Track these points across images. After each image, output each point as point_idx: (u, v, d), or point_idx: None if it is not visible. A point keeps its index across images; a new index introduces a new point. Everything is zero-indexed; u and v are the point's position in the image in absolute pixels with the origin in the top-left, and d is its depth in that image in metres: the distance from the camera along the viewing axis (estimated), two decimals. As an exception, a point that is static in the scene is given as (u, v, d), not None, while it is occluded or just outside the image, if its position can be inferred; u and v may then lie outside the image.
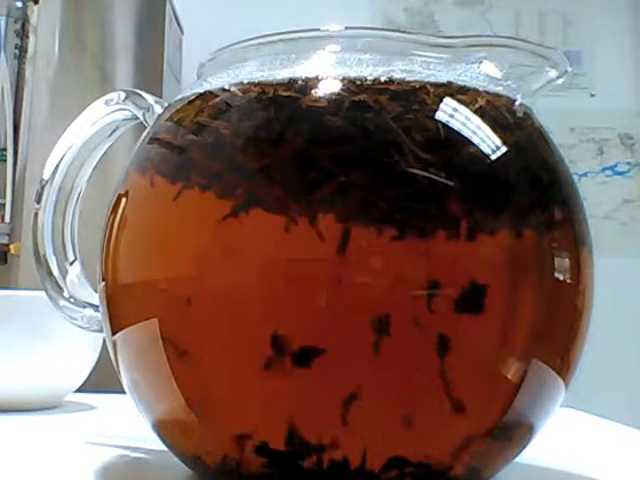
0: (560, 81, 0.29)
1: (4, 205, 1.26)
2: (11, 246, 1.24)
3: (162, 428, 0.28)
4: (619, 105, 1.95)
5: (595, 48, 1.95)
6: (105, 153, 0.35)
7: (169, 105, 0.31)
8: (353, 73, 0.26)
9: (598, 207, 1.85)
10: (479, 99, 0.27)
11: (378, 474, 0.25)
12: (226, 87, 0.28)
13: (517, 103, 0.28)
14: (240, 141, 0.26)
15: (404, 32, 0.28)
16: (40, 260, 0.34)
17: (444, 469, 0.25)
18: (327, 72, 0.27)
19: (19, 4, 1.32)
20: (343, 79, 0.26)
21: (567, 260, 0.27)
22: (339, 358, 0.24)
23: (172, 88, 1.41)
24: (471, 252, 0.25)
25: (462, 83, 0.27)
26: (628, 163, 1.95)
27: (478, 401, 0.25)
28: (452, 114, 0.26)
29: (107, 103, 0.34)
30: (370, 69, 0.26)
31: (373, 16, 1.91)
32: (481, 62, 0.28)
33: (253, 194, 0.25)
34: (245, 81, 0.27)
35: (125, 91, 0.33)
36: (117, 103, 0.33)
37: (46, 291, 0.34)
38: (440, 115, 0.26)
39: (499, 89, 0.28)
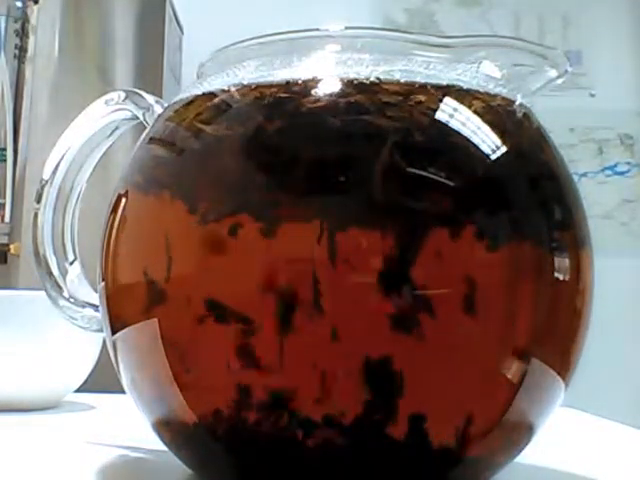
0: (560, 81, 0.29)
1: (4, 205, 1.27)
2: (11, 246, 1.25)
3: (162, 428, 0.28)
4: (619, 105, 1.95)
5: (595, 48, 1.95)
6: (105, 153, 0.35)
7: (169, 105, 0.31)
8: (353, 73, 0.26)
9: (598, 207, 1.85)
10: (479, 99, 0.27)
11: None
12: (226, 88, 0.28)
13: (517, 103, 0.28)
14: (238, 142, 0.26)
15: (404, 32, 0.28)
16: (40, 260, 0.34)
17: (444, 469, 0.25)
18: (327, 72, 0.27)
19: (19, 4, 1.32)
20: (343, 79, 0.26)
21: (567, 260, 0.27)
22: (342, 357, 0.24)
23: (172, 88, 1.41)
24: (470, 253, 0.25)
25: (462, 83, 0.27)
26: (628, 163, 1.95)
27: (478, 401, 0.25)
28: (452, 114, 0.26)
29: (107, 103, 0.34)
30: (370, 69, 0.26)
31: (373, 16, 1.91)
32: (481, 62, 0.28)
33: (251, 195, 0.25)
34: (245, 81, 0.27)
35: (125, 91, 0.33)
36: (117, 103, 0.33)
37: (46, 291, 0.34)
38: (440, 115, 0.26)
39: (499, 89, 0.28)
